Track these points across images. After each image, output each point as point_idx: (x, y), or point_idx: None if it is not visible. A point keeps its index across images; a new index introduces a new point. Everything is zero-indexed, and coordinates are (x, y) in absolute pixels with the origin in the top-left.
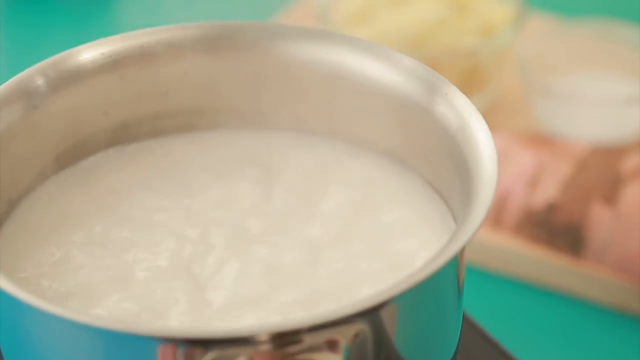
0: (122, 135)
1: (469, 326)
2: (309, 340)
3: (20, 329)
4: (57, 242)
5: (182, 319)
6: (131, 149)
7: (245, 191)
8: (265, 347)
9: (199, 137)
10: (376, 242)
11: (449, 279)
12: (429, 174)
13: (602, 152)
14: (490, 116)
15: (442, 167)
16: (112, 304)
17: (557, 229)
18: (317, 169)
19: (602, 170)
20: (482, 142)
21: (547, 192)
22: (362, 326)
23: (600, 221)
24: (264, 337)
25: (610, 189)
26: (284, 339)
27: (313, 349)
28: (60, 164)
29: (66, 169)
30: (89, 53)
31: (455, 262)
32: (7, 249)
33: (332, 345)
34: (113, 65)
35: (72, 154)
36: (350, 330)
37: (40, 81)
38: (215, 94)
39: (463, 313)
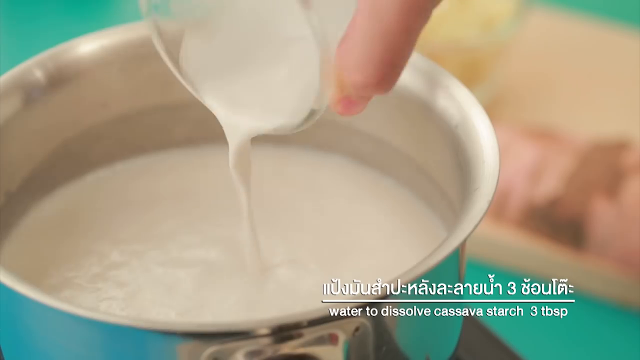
0: (123, 128)
1: (470, 320)
2: (309, 334)
3: (18, 321)
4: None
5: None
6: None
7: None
8: (266, 341)
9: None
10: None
11: (449, 273)
12: (429, 166)
13: (604, 147)
14: (492, 109)
15: (443, 160)
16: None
17: (559, 222)
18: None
19: (604, 165)
20: (484, 135)
21: (549, 186)
22: (362, 320)
23: (602, 215)
24: (264, 331)
25: (612, 183)
26: (284, 332)
27: (313, 342)
28: (60, 157)
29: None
30: (88, 45)
31: (457, 256)
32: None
33: (332, 340)
34: (112, 57)
35: (72, 146)
36: (351, 324)
37: (39, 73)
38: None
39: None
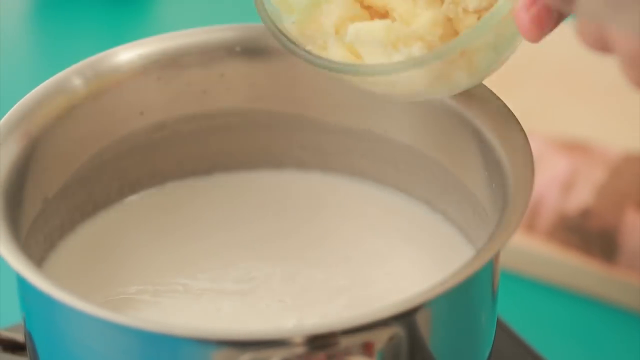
0: (160, 135)
1: (502, 331)
2: (344, 343)
3: (54, 327)
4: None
5: None
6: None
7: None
8: (301, 350)
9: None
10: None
11: (483, 284)
12: (463, 176)
13: (636, 158)
14: (523, 121)
15: (477, 171)
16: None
17: (591, 234)
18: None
19: (636, 176)
20: (519, 146)
21: (581, 197)
22: (396, 329)
23: (634, 227)
24: (299, 340)
25: None
26: (319, 341)
27: (348, 351)
28: (96, 165)
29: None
30: (126, 54)
31: (490, 267)
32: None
33: (366, 348)
34: (150, 66)
35: (109, 154)
36: (385, 333)
37: (78, 81)
38: (251, 96)
39: (497, 317)
